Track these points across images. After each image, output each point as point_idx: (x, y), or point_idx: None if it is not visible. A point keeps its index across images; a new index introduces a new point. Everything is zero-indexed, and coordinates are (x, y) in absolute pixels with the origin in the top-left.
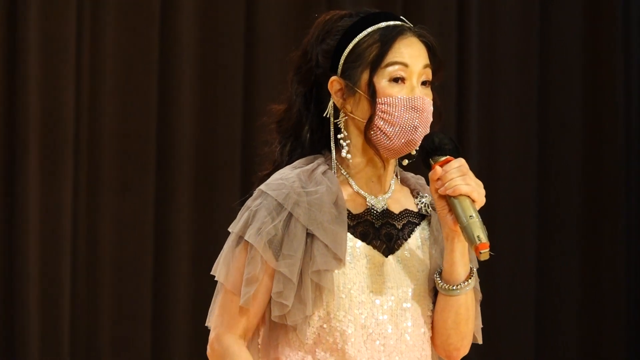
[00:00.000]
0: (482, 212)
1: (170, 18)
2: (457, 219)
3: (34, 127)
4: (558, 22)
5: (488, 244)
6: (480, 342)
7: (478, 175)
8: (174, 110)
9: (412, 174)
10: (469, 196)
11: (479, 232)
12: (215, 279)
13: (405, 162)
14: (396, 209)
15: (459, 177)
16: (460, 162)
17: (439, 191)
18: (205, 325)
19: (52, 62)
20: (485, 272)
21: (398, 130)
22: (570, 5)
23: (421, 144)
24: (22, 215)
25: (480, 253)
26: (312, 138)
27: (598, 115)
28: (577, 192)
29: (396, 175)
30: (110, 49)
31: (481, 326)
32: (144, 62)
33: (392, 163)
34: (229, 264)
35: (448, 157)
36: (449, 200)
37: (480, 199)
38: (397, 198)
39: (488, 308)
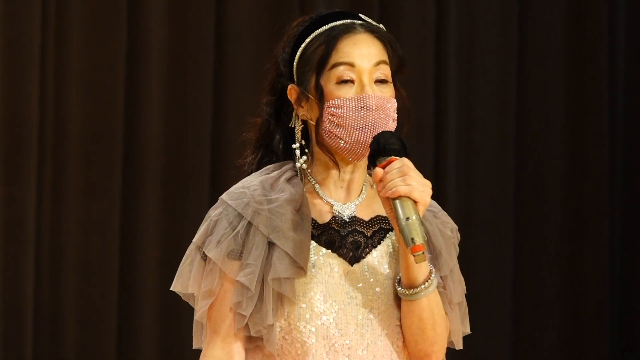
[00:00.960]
0: (459, 215)
1: (137, 16)
2: (396, 220)
3: None
4: (538, 20)
5: (422, 246)
6: (458, 347)
7: (455, 180)
8: (141, 111)
9: None
10: (409, 197)
11: (414, 234)
12: (172, 289)
13: None
14: (366, 216)
15: (399, 178)
16: (402, 162)
17: (380, 194)
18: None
19: (15, 61)
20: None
21: (350, 131)
22: (552, 3)
23: (370, 145)
24: None
25: (414, 256)
26: (285, 147)
27: (580, 118)
28: (557, 196)
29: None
30: (75, 47)
31: (467, 332)
32: (111, 62)
33: (362, 167)
34: (188, 276)
35: (391, 157)
36: (391, 202)
37: (423, 199)
38: (368, 204)
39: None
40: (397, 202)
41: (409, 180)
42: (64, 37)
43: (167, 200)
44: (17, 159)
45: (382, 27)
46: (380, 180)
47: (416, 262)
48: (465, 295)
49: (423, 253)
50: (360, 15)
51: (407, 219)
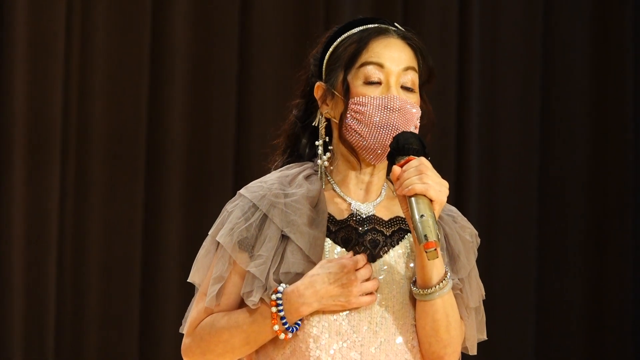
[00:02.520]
0: (481, 221)
1: (162, 18)
2: (411, 218)
3: (21, 128)
4: (563, 25)
5: (434, 242)
6: (472, 353)
7: (478, 185)
8: (165, 112)
9: None
10: (425, 195)
11: (427, 231)
12: (189, 280)
13: None
14: (386, 216)
15: (416, 177)
16: (420, 161)
17: (396, 192)
18: (180, 331)
19: (40, 61)
20: (484, 284)
21: (371, 130)
22: (576, 7)
23: (390, 145)
24: (6, 219)
25: (426, 252)
26: (311, 151)
27: (604, 125)
28: (580, 202)
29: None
30: (100, 48)
31: (483, 338)
32: (135, 63)
33: (381, 167)
34: (202, 266)
35: (409, 157)
36: (407, 200)
37: (439, 198)
38: (388, 205)
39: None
40: (413, 199)
41: (426, 179)
42: (88, 39)
43: (190, 201)
44: (40, 159)
45: (415, 38)
46: (398, 179)
47: (428, 259)
48: (487, 300)
49: (435, 250)
50: (396, 24)
51: (422, 216)
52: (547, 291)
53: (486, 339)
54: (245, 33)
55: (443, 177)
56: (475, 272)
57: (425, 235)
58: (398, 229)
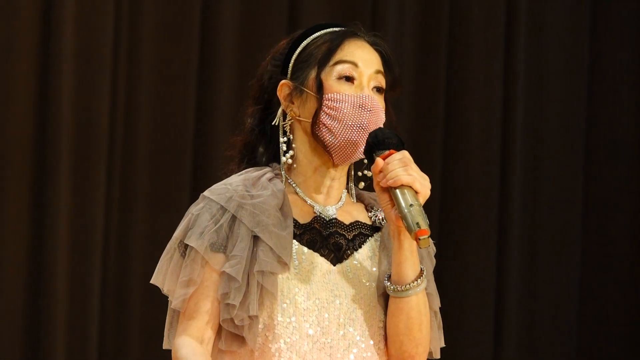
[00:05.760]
0: (524, 236)
1: (210, 29)
2: (397, 209)
3: (67, 139)
4: (609, 42)
5: (427, 230)
6: (436, 357)
7: (521, 204)
8: (212, 125)
9: (368, 192)
10: (411, 187)
11: (419, 219)
12: (151, 282)
13: (362, 184)
14: (347, 220)
15: (401, 168)
16: (403, 154)
17: (380, 183)
18: (163, 347)
19: (87, 72)
20: (527, 300)
21: (343, 127)
22: (623, 20)
23: (367, 140)
24: (52, 230)
25: (420, 239)
26: (267, 154)
27: None
28: (625, 220)
29: (349, 192)
30: (147, 60)
31: (442, 345)
32: (182, 75)
33: (343, 173)
34: (167, 270)
35: (391, 150)
36: (391, 192)
37: (424, 191)
38: (348, 210)
39: (527, 337)
40: (398, 191)
41: (411, 171)
42: (135, 50)
43: None
44: (86, 171)
45: (384, 44)
46: (381, 171)
47: (420, 247)
48: (529, 312)
49: (429, 237)
50: (362, 30)
51: (411, 205)
52: (590, 306)
53: (444, 345)
54: None
55: (489, 193)
56: (432, 277)
57: (417, 223)
58: (358, 233)
